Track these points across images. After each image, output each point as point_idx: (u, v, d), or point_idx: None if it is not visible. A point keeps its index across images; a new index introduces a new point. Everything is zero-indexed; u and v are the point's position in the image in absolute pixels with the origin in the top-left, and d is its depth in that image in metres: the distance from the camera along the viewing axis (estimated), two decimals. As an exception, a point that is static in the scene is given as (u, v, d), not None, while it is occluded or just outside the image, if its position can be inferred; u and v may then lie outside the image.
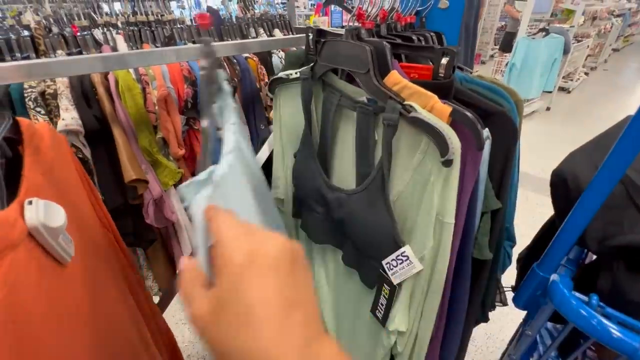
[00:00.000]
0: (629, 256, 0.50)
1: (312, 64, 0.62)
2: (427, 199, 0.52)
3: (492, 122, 0.56)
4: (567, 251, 0.55)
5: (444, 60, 0.54)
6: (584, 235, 0.53)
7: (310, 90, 0.63)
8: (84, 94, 0.72)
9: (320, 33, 0.64)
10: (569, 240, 0.53)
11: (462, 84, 0.65)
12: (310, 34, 0.64)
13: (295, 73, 0.64)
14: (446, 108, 0.49)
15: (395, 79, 0.54)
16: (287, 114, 0.72)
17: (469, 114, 0.48)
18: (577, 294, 0.50)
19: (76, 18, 1.36)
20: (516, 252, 0.84)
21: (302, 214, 0.79)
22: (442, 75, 0.55)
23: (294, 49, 0.88)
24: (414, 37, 0.68)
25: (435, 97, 0.51)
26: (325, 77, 0.64)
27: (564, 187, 0.59)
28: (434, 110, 0.50)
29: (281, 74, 0.66)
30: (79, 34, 0.85)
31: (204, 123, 0.43)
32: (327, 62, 0.60)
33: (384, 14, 0.71)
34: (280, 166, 0.79)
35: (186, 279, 0.26)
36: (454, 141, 0.46)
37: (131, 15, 1.46)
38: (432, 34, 0.71)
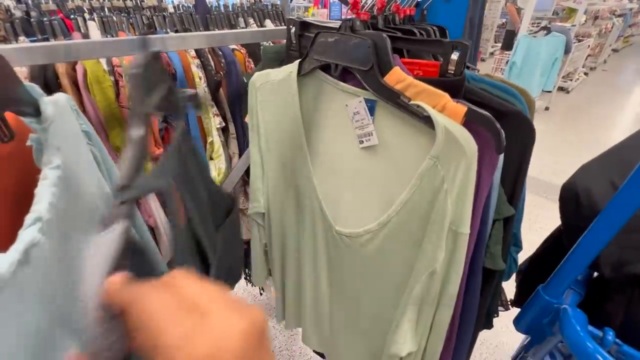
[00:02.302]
0: (647, 285, 0.45)
1: (300, 60, 0.55)
2: (439, 208, 0.47)
3: (506, 123, 0.50)
4: (578, 275, 0.49)
5: (455, 56, 0.48)
6: (597, 259, 0.48)
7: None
8: (47, 85, 0.64)
9: (304, 26, 0.57)
10: (580, 264, 0.48)
11: (469, 83, 0.59)
12: (292, 27, 0.55)
13: (278, 73, 0.57)
14: (460, 107, 0.44)
15: (399, 76, 0.48)
16: (269, 116, 0.64)
17: (486, 114, 0.43)
18: (591, 328, 0.44)
19: (43, 2, 1.25)
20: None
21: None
22: (452, 72, 0.49)
23: (268, 43, 0.79)
24: (416, 31, 0.61)
25: (447, 95, 0.45)
26: (315, 75, 0.57)
27: (575, 202, 0.53)
28: (445, 110, 0.44)
29: (259, 76, 0.58)
30: (45, 19, 0.77)
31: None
32: (320, 56, 0.53)
33: (381, 4, 0.63)
34: (259, 177, 0.71)
35: None
36: (470, 143, 0.42)
37: (106, 0, 1.35)
38: (434, 28, 0.64)
